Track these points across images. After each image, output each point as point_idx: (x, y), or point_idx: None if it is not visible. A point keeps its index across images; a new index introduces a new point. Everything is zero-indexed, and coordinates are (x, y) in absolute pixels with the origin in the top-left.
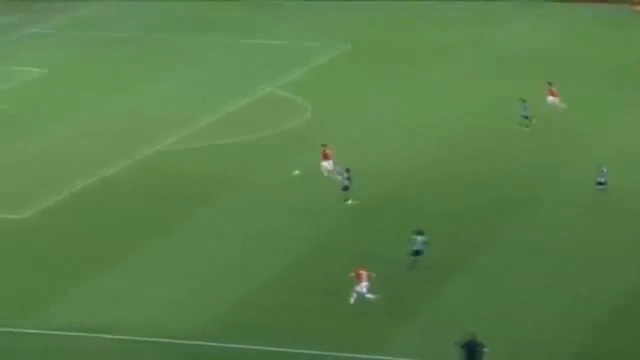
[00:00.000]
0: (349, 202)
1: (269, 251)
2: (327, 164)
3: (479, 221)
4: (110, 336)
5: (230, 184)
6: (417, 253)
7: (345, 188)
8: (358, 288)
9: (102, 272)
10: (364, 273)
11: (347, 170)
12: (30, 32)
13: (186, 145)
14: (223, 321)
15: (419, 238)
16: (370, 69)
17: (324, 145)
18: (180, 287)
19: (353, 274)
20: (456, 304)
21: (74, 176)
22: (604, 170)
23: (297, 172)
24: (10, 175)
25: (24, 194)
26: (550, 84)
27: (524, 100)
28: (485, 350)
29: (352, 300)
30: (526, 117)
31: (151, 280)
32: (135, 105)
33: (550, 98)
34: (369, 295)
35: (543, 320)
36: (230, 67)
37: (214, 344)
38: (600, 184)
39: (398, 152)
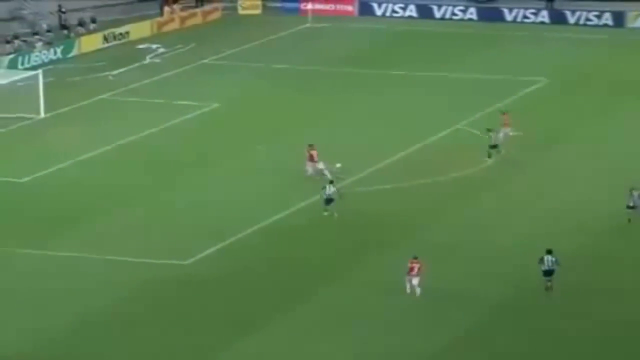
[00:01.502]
0: (326, 213)
1: (454, 306)
2: (311, 165)
3: None
4: None
5: (414, 230)
6: (548, 273)
7: (327, 200)
8: (408, 279)
9: (269, 322)
10: (415, 266)
11: (331, 183)
12: (201, 63)
13: (365, 187)
14: None
15: (548, 257)
16: (566, 104)
17: (310, 146)
18: (353, 342)
19: (409, 265)
20: None
21: (241, 219)
22: (635, 194)
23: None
24: (175, 219)
25: (188, 238)
26: (504, 113)
27: (489, 130)
28: None
29: (408, 290)
30: (495, 147)
31: (321, 333)
32: (311, 142)
33: (503, 129)
34: (418, 288)
35: None
36: (414, 103)
37: None
38: (630, 207)
39: (591, 194)
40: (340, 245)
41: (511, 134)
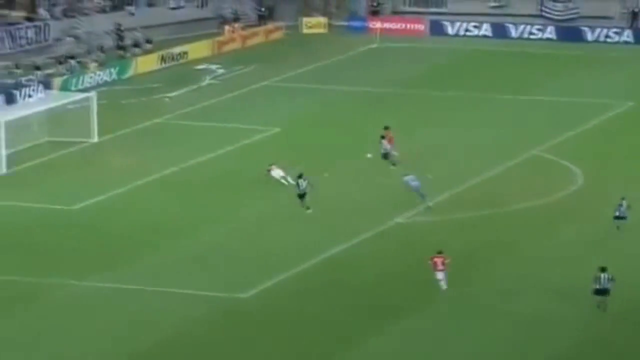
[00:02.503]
0: (309, 211)
1: (531, 341)
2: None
3: None
4: None
5: (481, 264)
6: (603, 292)
7: (301, 196)
8: (436, 274)
9: (335, 358)
10: (438, 260)
11: (300, 177)
12: (263, 85)
13: (435, 216)
14: None
15: (604, 275)
16: None
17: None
18: None
19: (430, 262)
20: None
21: (303, 250)
22: (624, 203)
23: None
24: (234, 249)
25: (248, 269)
26: (387, 128)
27: (383, 138)
28: None
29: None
30: (385, 156)
31: None
32: (364, 171)
33: (384, 143)
34: (443, 284)
35: None
36: (487, 128)
37: None
38: (618, 218)
39: None
40: (408, 278)
41: (393, 152)
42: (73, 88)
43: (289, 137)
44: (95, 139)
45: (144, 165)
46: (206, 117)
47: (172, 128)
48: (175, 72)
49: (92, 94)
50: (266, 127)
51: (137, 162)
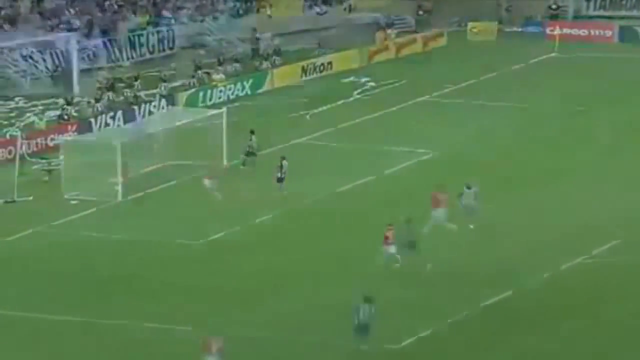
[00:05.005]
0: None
1: None
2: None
3: None
4: None
5: None
6: None
7: (280, 179)
8: (385, 248)
9: None
10: (390, 233)
11: (283, 158)
12: (420, 100)
13: (611, 257)
14: None
15: None
16: None
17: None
18: None
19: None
20: None
21: (461, 297)
22: None
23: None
24: (384, 290)
25: (401, 316)
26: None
27: (252, 133)
28: None
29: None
30: (253, 154)
31: None
32: (540, 204)
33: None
34: (398, 257)
35: None
36: None
37: None
38: None
39: None
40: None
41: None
42: (200, 103)
43: (449, 161)
44: (225, 162)
45: (279, 194)
46: (353, 138)
47: (313, 150)
48: (318, 86)
49: (223, 111)
50: (423, 150)
51: (271, 190)
